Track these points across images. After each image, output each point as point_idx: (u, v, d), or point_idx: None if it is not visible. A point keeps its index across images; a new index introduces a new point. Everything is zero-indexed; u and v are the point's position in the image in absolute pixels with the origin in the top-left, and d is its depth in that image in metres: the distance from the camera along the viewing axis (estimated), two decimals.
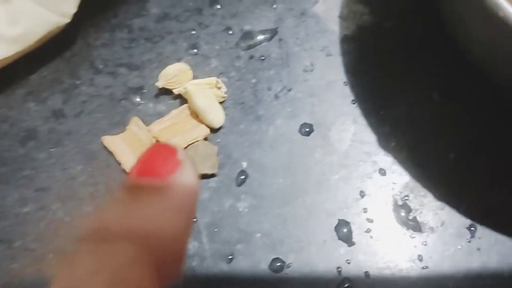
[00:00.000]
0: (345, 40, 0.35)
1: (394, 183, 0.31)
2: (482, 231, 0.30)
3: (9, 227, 0.30)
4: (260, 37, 0.35)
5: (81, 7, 0.33)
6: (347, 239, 0.30)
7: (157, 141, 0.31)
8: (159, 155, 0.19)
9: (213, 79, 0.32)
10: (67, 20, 0.33)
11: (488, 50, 0.27)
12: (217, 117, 0.31)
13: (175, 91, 0.32)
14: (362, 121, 0.33)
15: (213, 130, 0.32)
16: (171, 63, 0.34)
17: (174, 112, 0.32)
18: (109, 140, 0.32)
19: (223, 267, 0.29)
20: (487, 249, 0.29)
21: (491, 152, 0.32)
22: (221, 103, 0.33)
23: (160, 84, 0.32)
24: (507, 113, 0.32)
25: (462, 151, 0.32)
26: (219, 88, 0.32)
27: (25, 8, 0.31)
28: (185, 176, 0.19)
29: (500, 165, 0.31)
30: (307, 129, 0.32)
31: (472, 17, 0.25)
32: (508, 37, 0.23)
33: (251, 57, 0.35)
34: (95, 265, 0.15)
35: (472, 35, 0.27)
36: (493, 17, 0.22)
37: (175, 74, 0.32)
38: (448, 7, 0.28)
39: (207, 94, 0.31)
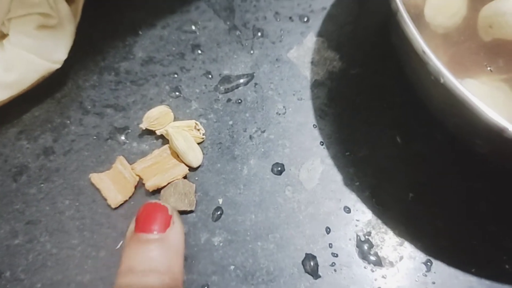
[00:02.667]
0: (316, 85, 0.38)
1: (358, 220, 0.34)
2: (437, 266, 0.32)
3: (0, 258, 0.32)
4: (238, 81, 0.38)
5: (72, 50, 0.36)
6: (313, 272, 0.32)
7: (141, 178, 0.34)
8: (155, 213, 0.26)
9: (192, 122, 0.35)
10: (58, 66, 0.35)
11: (438, 104, 0.29)
12: (195, 157, 0.34)
13: (158, 132, 0.35)
14: (329, 162, 0.35)
15: (192, 169, 0.35)
16: (154, 105, 0.36)
17: (156, 152, 0.35)
18: (96, 178, 0.34)
19: None
20: (442, 283, 0.32)
21: (447, 192, 0.34)
22: (199, 143, 0.35)
23: (143, 126, 0.35)
24: (460, 157, 0.35)
25: (420, 191, 0.34)
26: (198, 130, 0.35)
27: (19, 56, 0.33)
28: (177, 226, 0.27)
29: (454, 205, 0.34)
30: (279, 169, 0.35)
31: (422, 77, 0.28)
32: (450, 98, 0.25)
33: (229, 100, 0.37)
34: None
35: (425, 90, 0.30)
36: (437, 83, 0.25)
37: (157, 117, 0.35)
38: (405, 64, 0.31)
39: (186, 136, 0.34)
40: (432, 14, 0.33)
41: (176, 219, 0.27)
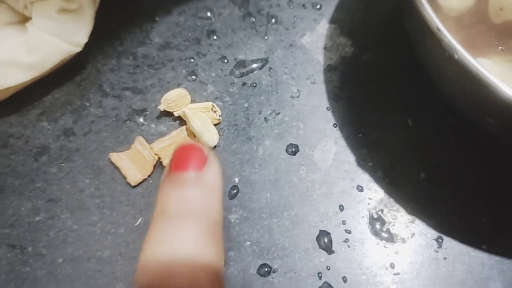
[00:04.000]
0: (329, 70, 0.39)
1: (370, 199, 0.34)
2: (449, 242, 0.33)
3: (22, 234, 0.33)
4: (252, 66, 0.39)
5: (91, 36, 0.37)
6: (327, 248, 0.33)
7: (159, 157, 0.34)
8: (190, 151, 0.24)
9: (209, 104, 0.36)
10: (79, 49, 0.36)
11: (451, 83, 0.30)
12: (212, 137, 0.35)
13: (175, 114, 0.36)
14: (342, 143, 0.36)
15: None
16: (171, 88, 0.37)
17: (174, 132, 0.36)
18: (115, 157, 0.35)
19: None
20: (453, 259, 0.33)
21: (457, 174, 0.35)
22: (216, 125, 0.36)
23: (161, 107, 0.36)
24: (472, 139, 0.36)
25: (432, 172, 0.35)
26: (214, 111, 0.36)
27: (41, 38, 0.34)
28: (214, 166, 0.24)
29: (465, 186, 0.35)
30: (293, 149, 0.36)
31: (436, 56, 0.29)
32: (463, 75, 0.26)
33: (244, 83, 0.38)
34: None
35: (438, 70, 0.31)
36: (451, 60, 0.26)
37: (175, 99, 0.36)
38: (419, 45, 0.32)
39: (203, 117, 0.35)
40: None
41: (213, 159, 0.25)
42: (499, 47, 0.32)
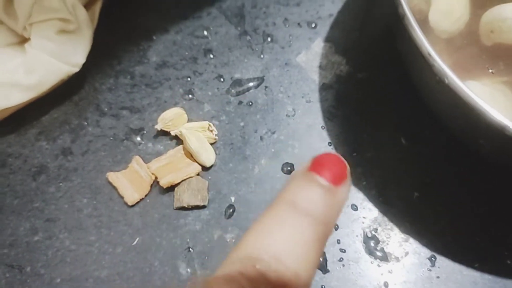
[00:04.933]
0: (324, 88, 0.39)
1: (365, 218, 0.35)
2: (442, 261, 0.34)
3: (20, 254, 0.33)
4: (249, 85, 0.39)
5: (89, 55, 0.37)
6: (322, 267, 0.33)
7: (156, 177, 0.35)
8: (336, 164, 0.24)
9: (205, 123, 0.37)
10: (77, 69, 0.37)
11: (442, 106, 0.31)
12: (208, 157, 0.35)
13: (172, 133, 0.36)
14: None
15: (205, 168, 0.36)
16: (168, 107, 0.38)
17: (171, 152, 0.36)
18: (113, 176, 0.35)
19: None
20: (446, 278, 0.33)
21: (450, 192, 0.36)
22: (212, 144, 0.37)
23: (159, 127, 0.36)
24: (464, 157, 0.36)
25: (425, 190, 0.36)
26: (211, 131, 0.37)
27: (40, 59, 0.35)
28: (347, 187, 0.24)
29: (458, 204, 0.35)
30: (289, 168, 0.36)
31: (427, 78, 0.29)
32: (454, 99, 0.27)
33: (240, 102, 0.39)
34: None
35: (430, 92, 0.31)
36: (441, 84, 0.27)
37: (172, 118, 0.36)
38: (411, 67, 0.33)
39: (199, 136, 0.35)
40: (436, 19, 0.34)
41: (349, 181, 0.24)
42: (490, 70, 0.33)
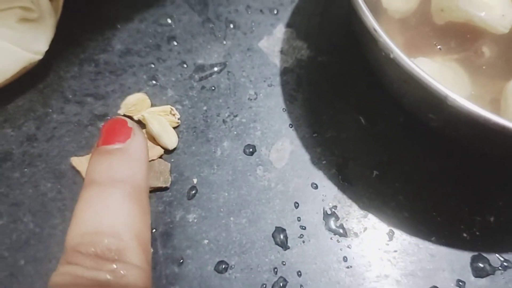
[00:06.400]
0: (285, 72, 0.40)
1: (324, 196, 0.36)
2: (399, 236, 0.34)
3: None
4: (211, 70, 0.40)
5: (54, 44, 0.38)
6: (283, 244, 0.34)
7: None
8: (114, 125, 0.26)
9: (167, 107, 0.37)
10: (40, 57, 0.37)
11: (393, 82, 0.32)
12: (170, 140, 0.36)
13: (135, 118, 0.37)
14: (297, 143, 0.37)
15: (168, 152, 0.37)
16: (132, 93, 0.38)
17: None
18: (77, 161, 0.36)
19: (174, 269, 0.33)
20: (403, 251, 0.34)
21: (408, 170, 0.36)
22: (175, 128, 0.37)
23: (122, 112, 0.37)
24: (421, 135, 0.37)
25: (384, 168, 0.36)
26: (173, 114, 0.37)
27: (1, 47, 0.35)
28: (138, 137, 0.27)
29: (415, 181, 0.36)
30: (250, 150, 0.37)
31: (377, 56, 0.30)
32: (401, 74, 0.27)
33: (203, 87, 0.39)
34: None
35: (381, 69, 0.32)
36: (388, 58, 0.27)
37: (134, 103, 0.37)
38: (364, 47, 0.33)
39: (161, 120, 0.36)
40: (388, 0, 0.35)
41: (137, 131, 0.27)
42: (438, 47, 0.34)
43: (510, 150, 0.29)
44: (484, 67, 0.33)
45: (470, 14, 0.33)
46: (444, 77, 0.32)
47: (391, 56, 0.27)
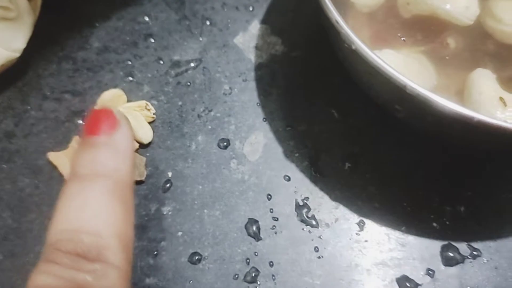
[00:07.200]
0: (260, 67, 0.41)
1: (297, 187, 0.36)
2: (370, 226, 0.35)
3: None
4: (187, 66, 0.41)
5: (32, 42, 0.39)
6: (255, 235, 0.35)
7: None
8: (100, 116, 0.26)
9: (142, 102, 0.38)
10: (17, 54, 0.38)
11: (358, 74, 0.32)
12: (145, 134, 0.37)
13: None
14: (271, 136, 0.38)
15: (143, 146, 0.37)
16: (109, 89, 0.39)
17: None
18: (53, 156, 0.36)
19: (149, 261, 0.34)
20: (373, 241, 0.35)
21: (379, 161, 0.37)
22: (150, 123, 0.38)
23: (97, 107, 0.37)
24: (391, 128, 0.38)
25: (356, 160, 0.37)
26: (148, 109, 0.38)
27: None
28: (125, 130, 0.26)
29: (386, 172, 0.37)
30: (225, 143, 0.38)
31: (341, 48, 0.31)
32: (364, 65, 0.28)
33: (178, 83, 0.40)
34: None
35: (347, 62, 0.33)
36: (351, 50, 0.28)
37: (110, 99, 0.38)
38: (331, 40, 0.34)
39: (136, 115, 0.37)
40: None
41: (123, 123, 0.26)
42: (402, 38, 0.35)
43: (470, 138, 0.29)
44: (449, 58, 0.34)
45: (435, 6, 0.34)
46: (409, 68, 0.32)
47: (353, 47, 0.28)
